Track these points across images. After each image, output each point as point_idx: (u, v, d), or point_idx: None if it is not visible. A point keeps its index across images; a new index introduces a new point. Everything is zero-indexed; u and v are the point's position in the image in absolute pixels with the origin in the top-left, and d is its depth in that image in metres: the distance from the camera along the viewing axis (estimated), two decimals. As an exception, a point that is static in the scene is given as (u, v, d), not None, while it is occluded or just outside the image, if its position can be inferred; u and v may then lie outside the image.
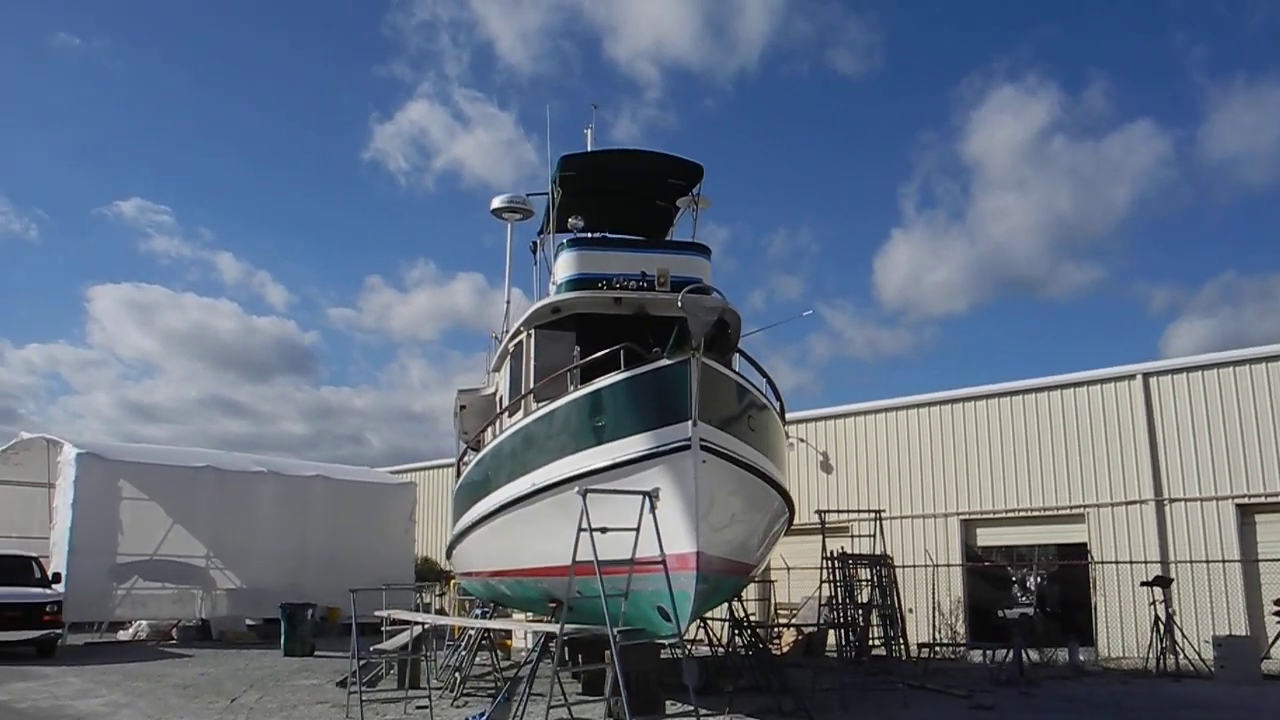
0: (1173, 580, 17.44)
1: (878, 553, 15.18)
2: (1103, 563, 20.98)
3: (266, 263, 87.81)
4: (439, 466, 36.71)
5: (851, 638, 18.41)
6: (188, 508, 24.43)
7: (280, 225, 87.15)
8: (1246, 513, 19.63)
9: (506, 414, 13.55)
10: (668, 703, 12.59)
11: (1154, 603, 16.94)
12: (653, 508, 8.96)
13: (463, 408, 17.21)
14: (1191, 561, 19.38)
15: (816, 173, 78.42)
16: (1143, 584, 17.74)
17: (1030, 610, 26.53)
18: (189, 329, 77.79)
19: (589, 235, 13.93)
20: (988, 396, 23.85)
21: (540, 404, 11.44)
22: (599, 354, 10.70)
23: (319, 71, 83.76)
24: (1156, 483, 20.78)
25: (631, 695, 9.42)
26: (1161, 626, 16.52)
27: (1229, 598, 18.96)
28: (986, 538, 23.87)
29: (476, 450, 15.44)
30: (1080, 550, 21.70)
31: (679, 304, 8.88)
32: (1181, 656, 16.55)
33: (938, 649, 18.01)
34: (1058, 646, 18.99)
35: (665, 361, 9.48)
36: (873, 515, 15.50)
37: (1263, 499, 19.49)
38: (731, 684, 14.10)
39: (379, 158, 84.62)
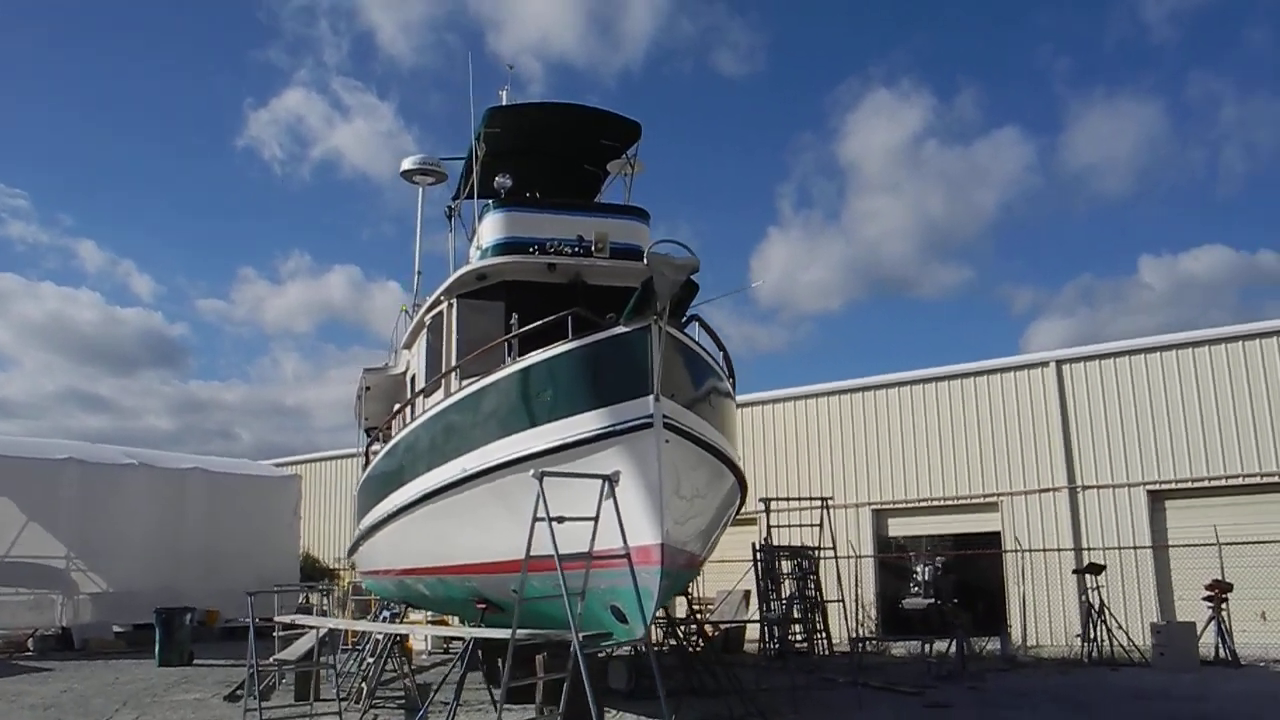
0: (1104, 567, 17.22)
1: (827, 543, 14.38)
2: (1017, 551, 20.86)
3: (132, 251, 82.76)
4: (323, 459, 34.82)
5: (776, 632, 17.72)
6: (46, 504, 22.08)
7: (148, 213, 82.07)
8: (1157, 498, 19.70)
9: (424, 395, 12.18)
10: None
11: (1087, 590, 16.66)
12: (612, 493, 7.87)
13: (367, 389, 15.60)
14: (1104, 548, 19.33)
15: (695, 171, 78.36)
16: (1074, 572, 17.52)
17: (932, 601, 26.39)
18: (45, 319, 72.61)
19: (519, 195, 12.64)
20: (898, 384, 23.52)
21: (468, 381, 10.17)
22: (543, 321, 9.47)
23: (190, 53, 79.15)
24: (1070, 470, 20.74)
25: (571, 704, 8.37)
26: (1094, 615, 16.22)
27: (1140, 584, 18.97)
28: (899, 528, 23.55)
29: (383, 440, 14.05)
30: (994, 539, 21.52)
31: (644, 260, 7.75)
32: (1114, 644, 16.28)
33: (866, 643, 17.32)
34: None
35: (622, 329, 8.38)
36: (820, 503, 14.70)
37: (1173, 485, 19.58)
38: (663, 687, 13.13)
39: (253, 145, 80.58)
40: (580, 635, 7.32)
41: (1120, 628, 16.71)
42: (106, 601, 22.72)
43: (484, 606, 10.48)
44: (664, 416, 8.22)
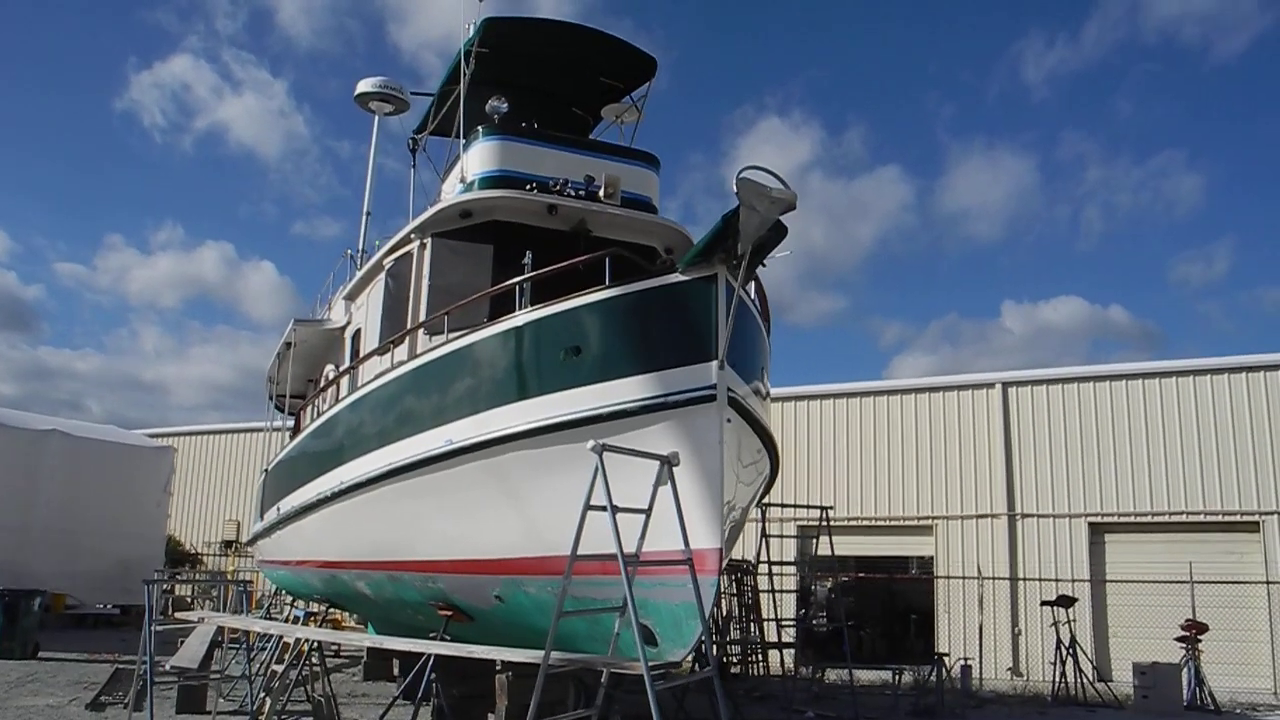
0: (1076, 600, 16.29)
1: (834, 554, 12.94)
2: (948, 578, 19.93)
3: (-14, 204, 76.16)
4: (194, 433, 31.67)
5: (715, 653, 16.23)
6: None
7: (7, 167, 75.69)
8: (1098, 531, 19.03)
9: (384, 353, 10.04)
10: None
11: (1055, 623, 15.68)
12: (670, 479, 6.16)
13: (288, 346, 13.17)
14: (1041, 579, 18.55)
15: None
16: (1043, 603, 16.52)
17: (821, 621, 25.40)
18: (-119, 272, 65.98)
19: (514, 124, 10.66)
20: (831, 396, 22.37)
21: (453, 335, 8.22)
22: (564, 264, 7.64)
23: (73, 2, 73.40)
24: (1010, 497, 19.93)
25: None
26: (1064, 650, 15.23)
27: (1078, 617, 18.19)
28: (823, 546, 22.33)
29: (315, 407, 11.91)
30: (927, 564, 20.59)
31: (733, 187, 6.04)
32: (1082, 682, 15.29)
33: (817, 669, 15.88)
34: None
35: (679, 276, 6.69)
36: (820, 513, 13.26)
37: (1115, 518, 18.96)
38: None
39: (133, 109, 75.25)
40: (649, 664, 5.52)
41: (1093, 664, 15.80)
42: (-66, 578, 19.55)
43: (449, 614, 8.55)
44: (728, 390, 6.58)
